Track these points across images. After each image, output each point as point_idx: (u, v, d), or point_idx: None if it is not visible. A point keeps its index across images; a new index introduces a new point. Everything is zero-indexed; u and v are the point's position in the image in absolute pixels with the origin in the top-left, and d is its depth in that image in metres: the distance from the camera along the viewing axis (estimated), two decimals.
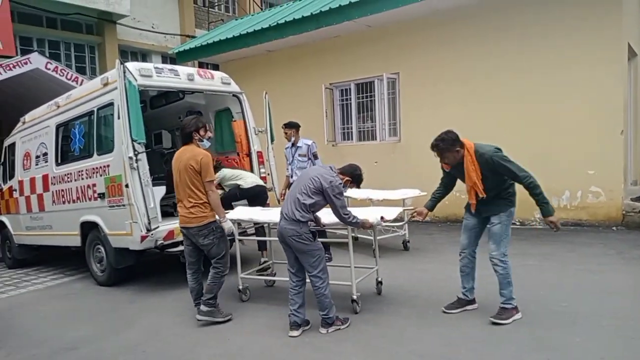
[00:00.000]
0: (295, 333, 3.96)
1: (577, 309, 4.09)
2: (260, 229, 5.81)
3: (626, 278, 4.91)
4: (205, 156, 4.30)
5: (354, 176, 4.15)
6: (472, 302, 4.27)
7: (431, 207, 4.32)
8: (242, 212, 5.20)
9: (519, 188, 3.99)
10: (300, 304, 4.01)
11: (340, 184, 3.98)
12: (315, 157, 6.47)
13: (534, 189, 3.85)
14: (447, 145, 3.84)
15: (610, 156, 7.15)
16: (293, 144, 6.56)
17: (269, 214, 5.06)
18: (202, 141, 4.47)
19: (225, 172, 6.30)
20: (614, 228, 7.11)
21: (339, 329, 3.99)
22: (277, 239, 4.12)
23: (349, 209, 4.07)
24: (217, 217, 4.39)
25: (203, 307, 4.37)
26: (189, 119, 4.51)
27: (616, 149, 7.15)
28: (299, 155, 6.48)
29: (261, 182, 6.34)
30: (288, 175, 6.74)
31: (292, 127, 6.57)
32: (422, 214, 4.30)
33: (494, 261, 3.95)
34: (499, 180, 3.90)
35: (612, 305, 4.13)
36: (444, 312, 4.21)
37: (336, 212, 4.00)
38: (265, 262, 5.79)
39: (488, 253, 3.99)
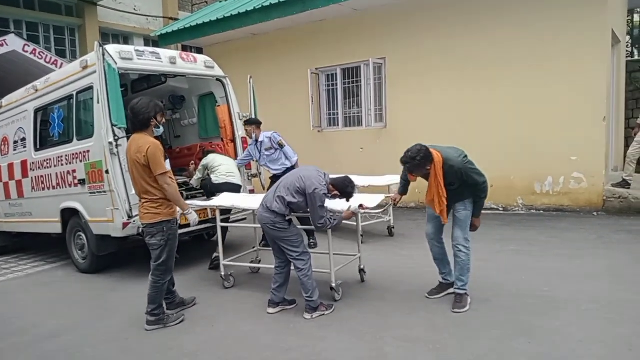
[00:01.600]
0: (272, 310, 4.12)
1: (558, 293, 4.15)
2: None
3: (606, 262, 5.00)
4: (151, 146, 3.77)
5: (344, 192, 4.07)
6: (453, 284, 4.28)
7: (403, 191, 4.42)
8: (225, 199, 5.15)
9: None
10: (280, 283, 4.12)
11: (325, 194, 3.92)
12: (281, 145, 6.36)
13: (482, 192, 3.91)
14: (418, 164, 3.78)
15: (592, 142, 7.22)
16: (256, 141, 6.41)
17: (252, 201, 5.02)
18: (158, 127, 4.01)
19: (209, 159, 6.21)
20: (595, 213, 7.22)
21: (323, 314, 4.00)
22: (256, 225, 4.14)
23: (329, 210, 4.11)
24: (177, 211, 4.05)
25: (150, 317, 4.01)
26: (146, 102, 3.91)
27: (599, 136, 7.22)
28: (265, 149, 6.39)
29: (235, 180, 6.03)
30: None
31: (252, 123, 6.38)
32: (395, 200, 4.46)
33: (458, 247, 3.99)
34: (463, 180, 3.91)
35: (592, 289, 4.20)
36: (427, 297, 4.25)
37: (313, 218, 3.99)
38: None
39: (452, 239, 4.02)
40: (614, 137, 9.26)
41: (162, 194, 3.88)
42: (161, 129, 4.11)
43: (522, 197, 7.84)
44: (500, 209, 8.03)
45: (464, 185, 3.87)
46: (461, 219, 3.98)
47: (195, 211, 4.83)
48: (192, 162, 6.96)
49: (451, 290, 4.23)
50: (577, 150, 7.31)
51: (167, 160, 4.17)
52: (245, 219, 6.15)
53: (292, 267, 4.11)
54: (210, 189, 5.97)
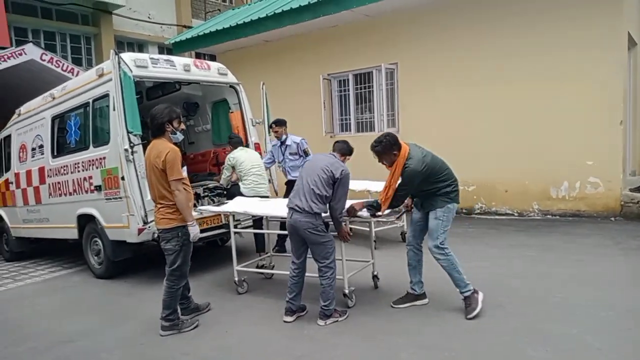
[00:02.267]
0: (289, 318, 4.08)
1: (575, 300, 4.09)
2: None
3: (624, 269, 4.91)
4: (171, 151, 3.83)
5: (350, 152, 4.27)
6: (422, 297, 4.26)
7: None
8: (238, 204, 5.17)
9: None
10: (297, 292, 4.11)
11: (348, 172, 4.01)
12: (307, 153, 6.32)
13: (391, 203, 4.01)
14: (384, 148, 3.91)
15: (609, 147, 7.12)
16: (282, 142, 6.40)
17: (266, 207, 5.04)
18: (175, 134, 4.03)
19: (236, 157, 5.96)
20: (612, 219, 7.10)
21: (337, 321, 3.99)
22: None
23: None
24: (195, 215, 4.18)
25: (165, 323, 4.04)
26: (161, 108, 3.98)
27: (615, 140, 7.12)
28: (290, 153, 6.38)
29: (264, 192, 5.91)
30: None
31: (283, 124, 6.36)
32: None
33: (434, 256, 4.01)
34: (424, 183, 3.94)
35: (609, 296, 4.13)
36: (392, 306, 4.22)
37: (340, 205, 3.98)
38: (262, 259, 5.62)
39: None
40: (631, 141, 9.12)
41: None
42: (180, 136, 4.12)
43: (538, 202, 7.74)
44: (516, 214, 7.94)
45: (427, 188, 3.96)
46: (432, 228, 4.00)
47: (209, 217, 4.87)
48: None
49: (418, 302, 4.20)
50: (593, 155, 7.21)
51: (185, 167, 4.25)
52: (252, 225, 6.09)
53: (319, 275, 4.02)
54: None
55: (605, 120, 7.10)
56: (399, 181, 3.93)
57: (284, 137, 6.38)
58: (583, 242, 6.01)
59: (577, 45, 7.23)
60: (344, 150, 4.22)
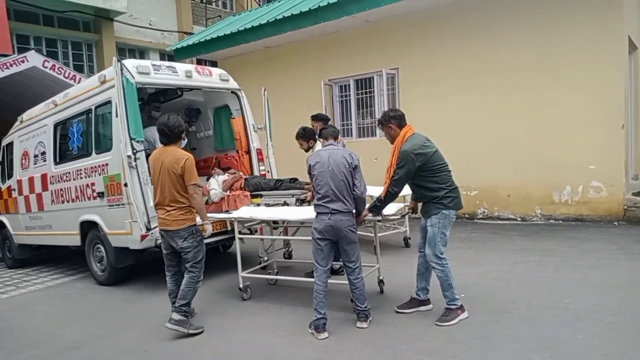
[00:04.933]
0: (325, 334, 3.82)
1: (580, 305, 4.07)
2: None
3: (629, 273, 4.89)
4: (189, 159, 4.13)
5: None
6: (425, 302, 4.24)
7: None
8: (244, 210, 5.17)
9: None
10: (326, 303, 3.92)
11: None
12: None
13: (386, 197, 4.02)
14: (383, 119, 4.07)
15: (611, 151, 7.12)
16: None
17: (270, 212, 5.03)
18: (184, 140, 4.45)
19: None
20: (616, 223, 7.09)
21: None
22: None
23: None
24: (198, 219, 4.30)
25: (175, 315, 4.11)
26: (176, 118, 4.26)
27: (617, 144, 7.12)
28: None
29: None
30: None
31: (320, 119, 5.96)
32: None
33: (432, 264, 3.99)
34: (419, 176, 3.95)
35: (615, 301, 4.11)
36: (396, 311, 4.21)
37: (362, 185, 3.99)
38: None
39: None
40: (633, 145, 9.11)
41: (189, 202, 4.15)
42: (186, 141, 4.51)
43: (541, 207, 7.73)
44: (518, 219, 7.93)
45: (422, 184, 3.98)
46: (429, 236, 3.98)
47: (213, 223, 4.90)
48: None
49: (423, 308, 4.20)
50: (595, 159, 7.20)
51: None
52: (257, 230, 6.03)
53: (352, 277, 3.98)
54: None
55: (607, 124, 7.10)
56: (394, 172, 3.94)
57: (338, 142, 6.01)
58: (587, 246, 5.99)
59: (578, 50, 7.24)
60: (337, 133, 4.31)
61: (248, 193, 5.72)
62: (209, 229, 4.36)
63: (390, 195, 4.02)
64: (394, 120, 4.02)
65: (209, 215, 4.72)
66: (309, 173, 4.04)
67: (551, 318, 3.84)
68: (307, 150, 5.42)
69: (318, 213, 3.92)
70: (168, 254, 4.32)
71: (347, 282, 4.31)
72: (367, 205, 4.18)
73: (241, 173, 6.31)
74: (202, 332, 4.16)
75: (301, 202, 5.49)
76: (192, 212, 4.22)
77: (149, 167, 4.57)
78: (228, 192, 5.79)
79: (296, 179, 6.26)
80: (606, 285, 4.54)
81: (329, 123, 6.01)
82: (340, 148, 4.13)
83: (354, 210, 3.95)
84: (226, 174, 6.12)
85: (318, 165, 3.93)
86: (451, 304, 3.95)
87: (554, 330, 3.62)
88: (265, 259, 5.64)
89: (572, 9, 7.26)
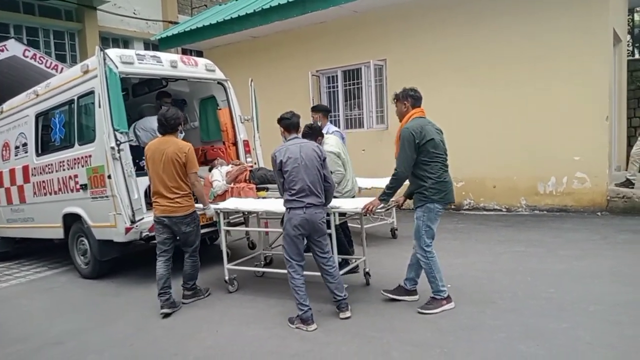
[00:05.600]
0: (315, 326, 3.82)
1: (565, 295, 4.12)
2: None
3: (612, 263, 4.97)
4: (190, 148, 4.43)
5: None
6: (412, 293, 4.23)
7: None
8: (230, 202, 5.12)
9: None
10: (308, 296, 3.92)
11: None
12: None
13: (390, 180, 3.99)
14: (401, 94, 4.05)
15: (595, 142, 7.20)
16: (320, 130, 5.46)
17: (256, 204, 5.00)
18: (182, 132, 4.80)
19: (338, 149, 5.16)
20: (599, 213, 7.19)
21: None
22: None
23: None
24: (200, 204, 4.69)
25: (187, 292, 4.70)
26: (174, 110, 4.58)
27: (601, 135, 7.20)
28: None
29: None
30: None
31: (320, 110, 5.77)
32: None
33: (417, 255, 4.03)
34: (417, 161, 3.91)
35: (598, 291, 4.17)
36: (382, 293, 4.28)
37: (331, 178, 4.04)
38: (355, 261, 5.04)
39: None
40: (617, 137, 9.24)
41: (190, 189, 4.47)
42: (182, 134, 4.95)
43: (526, 198, 7.81)
44: (504, 209, 8.00)
45: (415, 184, 3.97)
46: (415, 229, 4.01)
47: (201, 214, 4.89)
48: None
49: (408, 298, 4.21)
50: (580, 150, 7.28)
51: None
52: (243, 222, 5.95)
53: (327, 268, 3.99)
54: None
55: (591, 116, 7.17)
56: (398, 153, 3.93)
57: (320, 123, 5.57)
58: (571, 237, 6.07)
59: (563, 42, 7.29)
60: (298, 125, 4.22)
61: (253, 186, 5.50)
62: (209, 213, 4.75)
63: (395, 179, 3.94)
64: (410, 99, 4.00)
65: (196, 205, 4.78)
66: (279, 169, 3.91)
67: (536, 308, 3.88)
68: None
69: (290, 208, 3.88)
70: (165, 239, 4.50)
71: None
72: (378, 197, 4.08)
73: (246, 164, 6.10)
74: (210, 294, 4.83)
75: None
76: (192, 198, 4.55)
77: (145, 157, 4.62)
78: (232, 184, 5.59)
79: None
80: (590, 275, 4.60)
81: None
82: (308, 141, 4.07)
83: (324, 202, 3.99)
84: (230, 165, 5.93)
85: (291, 160, 3.85)
86: (436, 294, 3.97)
87: (538, 319, 3.66)
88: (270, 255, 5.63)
89: (559, 2, 7.29)
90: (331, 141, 5.18)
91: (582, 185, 7.35)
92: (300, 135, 4.24)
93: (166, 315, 4.37)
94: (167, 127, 4.46)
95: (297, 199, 3.84)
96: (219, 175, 5.66)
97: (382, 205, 4.12)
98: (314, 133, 4.91)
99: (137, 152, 6.16)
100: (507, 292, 4.26)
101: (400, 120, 4.07)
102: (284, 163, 3.87)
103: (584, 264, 4.99)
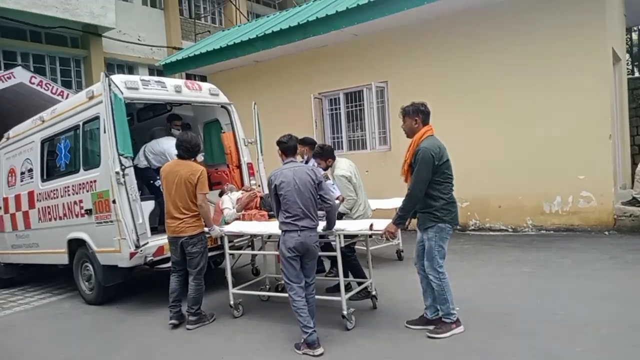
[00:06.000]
0: (321, 350, 3.75)
1: (576, 316, 4.05)
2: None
3: (623, 283, 4.89)
4: (203, 171, 4.62)
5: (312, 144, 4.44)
6: (433, 323, 4.05)
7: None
8: (235, 225, 5.10)
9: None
10: (311, 316, 3.88)
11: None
12: (327, 178, 5.47)
13: (403, 201, 3.87)
14: (411, 110, 3.95)
15: (599, 161, 7.18)
16: (306, 162, 5.69)
17: (262, 227, 4.97)
18: (202, 156, 5.05)
19: (351, 172, 5.08)
20: (607, 232, 7.12)
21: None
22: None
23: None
24: (205, 226, 4.72)
25: (192, 318, 4.63)
26: (195, 137, 4.81)
27: (605, 154, 7.19)
28: None
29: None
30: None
31: (306, 143, 5.72)
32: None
33: (429, 276, 3.92)
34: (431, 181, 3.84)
35: (611, 312, 4.10)
36: (405, 325, 4.13)
37: (331, 199, 4.05)
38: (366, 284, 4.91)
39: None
40: (621, 155, 9.21)
41: (198, 209, 4.58)
42: (201, 157, 5.21)
43: (532, 218, 7.75)
44: (510, 229, 7.94)
45: (424, 204, 3.86)
46: (427, 250, 3.91)
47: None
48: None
49: (430, 327, 4.02)
50: (584, 169, 7.26)
51: None
52: (250, 245, 5.95)
53: (310, 293, 4.00)
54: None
55: (594, 134, 7.17)
56: (414, 173, 3.78)
57: (305, 156, 5.78)
58: (579, 257, 6.00)
59: (564, 62, 7.34)
60: (295, 149, 4.26)
61: (265, 213, 5.39)
62: (215, 233, 4.80)
63: (409, 200, 3.81)
64: (421, 115, 3.93)
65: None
66: (275, 193, 3.95)
67: (548, 331, 3.81)
68: (325, 169, 5.09)
69: (285, 231, 3.91)
70: (176, 259, 4.70)
71: (334, 298, 4.30)
72: (393, 220, 3.98)
73: (257, 190, 6.00)
74: (215, 318, 4.77)
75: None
76: (201, 220, 4.66)
77: (159, 177, 4.89)
78: (243, 211, 5.51)
79: None
80: (601, 296, 4.53)
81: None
82: (302, 165, 4.09)
83: (318, 225, 4.02)
84: (240, 191, 5.87)
85: (284, 184, 3.89)
86: (446, 318, 3.89)
87: (551, 343, 3.59)
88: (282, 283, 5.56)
89: (558, 23, 7.37)
90: (342, 165, 5.13)
91: (588, 204, 7.30)
92: (297, 158, 4.25)
93: (174, 326, 4.66)
94: (191, 152, 4.68)
95: (291, 222, 3.88)
96: (229, 203, 5.60)
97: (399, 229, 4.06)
98: (324, 154, 4.95)
99: (148, 174, 6.21)
100: (518, 315, 4.19)
101: (408, 136, 3.98)
102: (278, 187, 3.93)
103: (594, 284, 4.91)
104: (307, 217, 3.88)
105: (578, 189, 7.34)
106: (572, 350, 3.44)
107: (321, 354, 3.72)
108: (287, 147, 4.15)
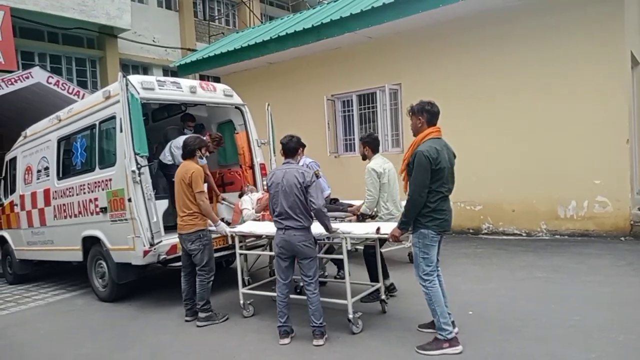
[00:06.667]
0: (286, 340, 4.08)
1: (591, 323, 3.99)
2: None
3: (639, 290, 4.81)
4: (195, 170, 4.71)
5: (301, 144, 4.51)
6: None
7: None
8: (244, 226, 5.12)
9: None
10: (289, 315, 4.13)
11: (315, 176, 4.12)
12: (317, 176, 5.80)
13: (405, 206, 3.73)
14: (417, 108, 3.78)
15: (616, 165, 7.09)
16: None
17: (270, 227, 4.97)
18: (202, 158, 5.05)
19: (382, 167, 4.97)
20: (622, 238, 7.02)
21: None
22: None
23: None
24: (209, 223, 4.82)
25: (201, 314, 4.72)
26: (193, 138, 4.97)
27: (622, 158, 7.09)
28: None
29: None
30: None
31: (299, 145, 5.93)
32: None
33: (420, 285, 3.77)
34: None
35: (627, 319, 4.04)
36: (418, 329, 4.08)
37: (320, 202, 4.04)
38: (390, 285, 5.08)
39: None
40: (638, 159, 9.07)
41: (198, 208, 4.69)
42: (204, 160, 5.27)
43: (546, 222, 7.67)
44: (524, 234, 7.86)
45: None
46: (414, 256, 3.83)
47: (215, 239, 4.96)
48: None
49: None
50: (600, 174, 7.16)
51: (206, 184, 5.26)
52: (262, 245, 5.97)
53: (308, 292, 4.05)
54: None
55: (611, 139, 7.08)
56: (411, 178, 3.65)
57: (297, 158, 5.86)
58: (594, 262, 5.92)
59: (582, 66, 7.25)
60: (296, 150, 4.32)
61: None
62: (221, 230, 4.89)
63: (410, 204, 3.63)
64: (426, 114, 3.71)
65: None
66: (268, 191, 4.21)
67: (562, 336, 3.76)
68: (363, 159, 5.16)
69: (277, 228, 4.13)
70: (184, 255, 4.88)
71: (341, 301, 4.27)
72: (397, 226, 3.85)
73: None
74: (227, 318, 4.77)
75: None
76: (201, 218, 4.74)
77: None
78: (262, 212, 5.50)
79: (337, 200, 6.31)
80: (616, 303, 4.46)
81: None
82: (295, 167, 4.12)
83: (310, 226, 4.07)
84: (261, 192, 5.87)
85: (273, 185, 4.10)
86: (439, 334, 3.63)
87: (565, 349, 3.54)
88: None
89: (575, 26, 7.30)
90: (378, 160, 5.07)
91: (604, 210, 7.20)
92: (297, 159, 4.36)
93: (189, 322, 4.82)
94: (184, 153, 4.87)
95: (278, 220, 4.08)
96: (249, 203, 5.65)
97: (404, 234, 3.98)
98: (370, 142, 5.12)
99: (172, 170, 6.25)
100: (531, 320, 4.14)
101: (415, 135, 3.82)
102: (269, 186, 4.16)
103: (610, 290, 4.84)
104: (291, 218, 3.99)
105: (594, 193, 7.25)
106: (586, 357, 3.39)
107: (284, 344, 4.03)
108: (287, 148, 4.27)
